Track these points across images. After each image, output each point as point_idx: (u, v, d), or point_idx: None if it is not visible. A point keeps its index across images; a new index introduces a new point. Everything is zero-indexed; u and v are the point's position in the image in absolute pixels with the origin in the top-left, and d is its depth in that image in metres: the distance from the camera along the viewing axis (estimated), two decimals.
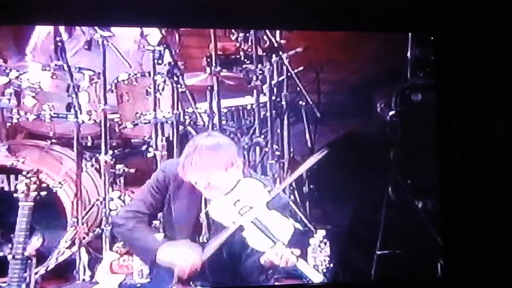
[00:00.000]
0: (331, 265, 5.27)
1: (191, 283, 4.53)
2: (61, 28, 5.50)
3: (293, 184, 5.62)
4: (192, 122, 5.49)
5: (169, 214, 4.60)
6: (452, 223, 5.16)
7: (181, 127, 5.46)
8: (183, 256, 4.47)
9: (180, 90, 5.48)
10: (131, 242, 4.64)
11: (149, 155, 5.47)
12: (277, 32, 5.61)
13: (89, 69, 5.48)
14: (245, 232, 4.44)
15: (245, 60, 5.65)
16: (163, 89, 5.48)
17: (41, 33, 5.57)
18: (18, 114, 5.37)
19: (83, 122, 5.41)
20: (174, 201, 4.59)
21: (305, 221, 5.48)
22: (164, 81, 5.46)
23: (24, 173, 4.80)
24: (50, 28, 5.46)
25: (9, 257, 4.67)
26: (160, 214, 4.72)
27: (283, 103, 5.70)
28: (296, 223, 5.47)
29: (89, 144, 5.60)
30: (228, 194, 4.51)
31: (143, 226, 4.60)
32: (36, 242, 4.71)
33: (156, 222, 4.77)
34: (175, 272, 4.48)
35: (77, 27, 5.55)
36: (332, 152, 5.72)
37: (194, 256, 4.46)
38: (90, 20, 5.11)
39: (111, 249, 5.16)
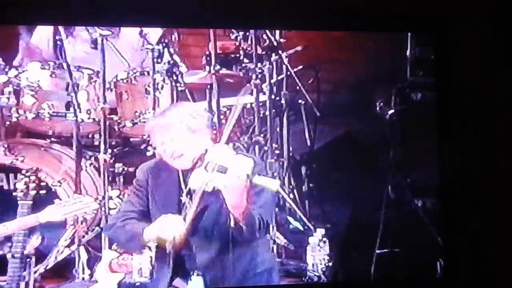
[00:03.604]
0: (331, 264, 5.29)
1: (191, 272, 4.54)
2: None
3: (293, 182, 5.63)
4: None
5: (154, 203, 4.61)
6: (452, 223, 5.17)
7: None
8: (166, 227, 4.46)
9: (179, 88, 5.48)
10: (120, 236, 4.63)
11: (148, 154, 5.46)
12: (277, 31, 5.61)
13: (88, 68, 5.48)
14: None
15: (245, 59, 5.64)
16: (162, 88, 5.47)
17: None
18: (18, 112, 5.37)
19: (82, 120, 5.41)
20: (156, 190, 4.60)
21: (305, 220, 5.49)
22: (163, 80, 5.46)
23: (23, 171, 4.80)
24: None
25: (9, 255, 4.66)
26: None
27: (283, 102, 5.70)
28: (296, 222, 5.51)
29: (88, 142, 5.60)
30: (200, 163, 4.50)
31: (132, 220, 4.60)
32: (35, 241, 4.71)
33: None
34: (167, 246, 4.48)
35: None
36: (332, 151, 5.75)
37: (176, 223, 4.46)
38: (90, 20, 5.11)
39: (110, 247, 5.16)
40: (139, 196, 4.64)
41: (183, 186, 4.52)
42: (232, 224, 4.36)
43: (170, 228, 4.44)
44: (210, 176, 4.34)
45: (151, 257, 4.52)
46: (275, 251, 5.16)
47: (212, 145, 4.49)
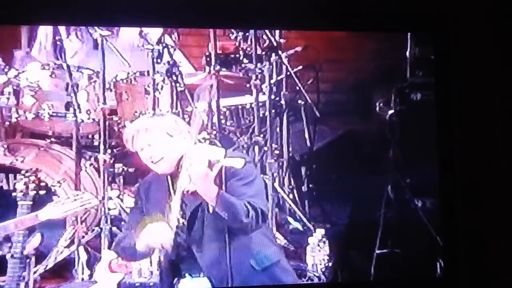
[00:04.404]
0: (330, 264, 5.29)
1: (183, 273, 4.55)
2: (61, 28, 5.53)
3: (293, 183, 5.63)
4: (191, 121, 5.47)
5: (147, 213, 4.64)
6: (452, 223, 5.17)
7: None
8: (153, 235, 4.49)
9: (179, 89, 5.49)
10: (123, 245, 4.66)
11: None
12: (277, 31, 5.61)
13: (87, 68, 5.48)
14: None
15: (245, 59, 5.64)
16: (162, 88, 5.47)
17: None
18: (17, 113, 5.36)
19: (82, 121, 5.41)
20: (147, 200, 4.66)
21: (304, 220, 5.49)
22: (163, 80, 5.46)
23: (23, 172, 4.79)
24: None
25: (8, 256, 4.65)
26: None
27: (282, 102, 5.70)
28: (296, 222, 5.51)
29: (88, 143, 5.60)
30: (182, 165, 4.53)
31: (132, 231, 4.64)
32: (35, 241, 4.70)
33: None
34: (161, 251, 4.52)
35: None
36: (332, 151, 5.74)
37: (163, 231, 4.48)
38: (90, 20, 5.11)
39: (110, 248, 5.16)
40: (138, 207, 4.69)
41: (172, 191, 4.54)
42: (210, 211, 4.40)
43: (158, 236, 4.46)
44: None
45: (151, 257, 4.54)
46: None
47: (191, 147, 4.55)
